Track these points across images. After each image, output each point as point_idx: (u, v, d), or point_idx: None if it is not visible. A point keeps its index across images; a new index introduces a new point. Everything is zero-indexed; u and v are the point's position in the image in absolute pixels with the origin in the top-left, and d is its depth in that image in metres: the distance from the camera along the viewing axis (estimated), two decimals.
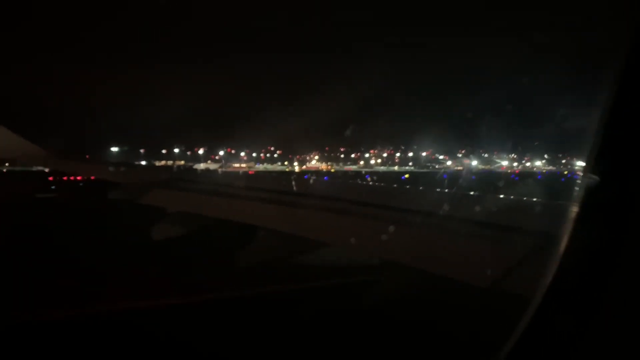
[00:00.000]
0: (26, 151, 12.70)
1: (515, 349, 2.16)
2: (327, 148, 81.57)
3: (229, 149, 77.49)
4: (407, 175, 55.73)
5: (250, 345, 7.56)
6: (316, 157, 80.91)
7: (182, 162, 63.55)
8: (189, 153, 71.91)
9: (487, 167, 70.70)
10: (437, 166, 76.94)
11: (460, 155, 76.61)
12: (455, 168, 71.40)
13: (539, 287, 2.17)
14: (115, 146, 50.65)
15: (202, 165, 54.54)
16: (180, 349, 7.61)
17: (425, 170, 72.37)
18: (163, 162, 59.95)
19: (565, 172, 63.70)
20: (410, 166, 79.57)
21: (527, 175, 57.91)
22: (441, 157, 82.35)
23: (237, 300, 9.56)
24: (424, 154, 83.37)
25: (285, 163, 78.31)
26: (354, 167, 79.41)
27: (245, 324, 8.40)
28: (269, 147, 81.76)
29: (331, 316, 8.10)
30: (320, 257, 6.51)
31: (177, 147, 69.55)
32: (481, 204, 5.74)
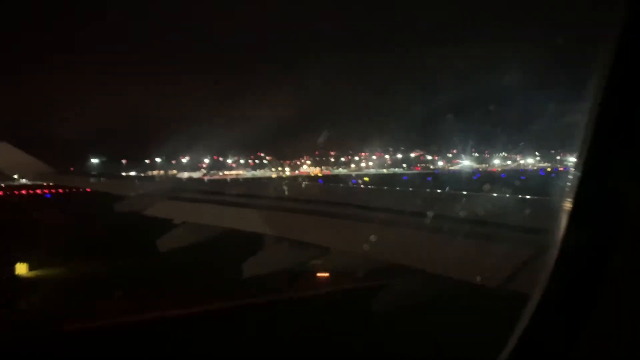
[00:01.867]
0: (33, 168, 12.90)
1: (515, 350, 2.15)
2: (317, 152, 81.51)
3: (215, 157, 76.88)
4: (366, 178, 56.43)
5: (260, 351, 7.69)
6: (308, 162, 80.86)
7: (175, 172, 63.28)
8: (173, 162, 71.08)
9: (479, 167, 71.36)
10: (431, 167, 77.42)
11: (450, 155, 76.91)
12: (449, 168, 71.91)
13: (537, 287, 2.16)
14: (94, 158, 50.22)
15: (185, 174, 54.34)
16: (191, 356, 7.74)
17: (416, 171, 72.77)
18: (156, 172, 59.62)
19: (549, 169, 64.56)
20: (404, 168, 79.74)
21: (494, 174, 58.87)
22: (429, 157, 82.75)
23: (245, 309, 9.69)
24: (412, 155, 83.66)
25: (279, 169, 78.11)
26: (343, 171, 79.40)
27: (255, 332, 8.52)
28: (258, 153, 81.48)
29: (341, 321, 8.25)
30: (328, 263, 6.64)
31: (158, 157, 68.80)
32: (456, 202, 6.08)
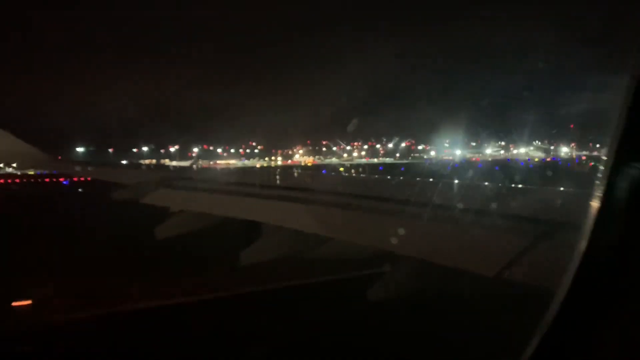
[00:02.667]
0: (33, 156, 12.98)
1: (539, 347, 2.09)
2: (308, 142, 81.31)
3: (205, 146, 76.30)
4: (341, 169, 57.42)
5: (258, 340, 7.78)
6: (300, 151, 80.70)
7: (167, 161, 63.01)
8: (162, 151, 70.44)
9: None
10: (425, 157, 77.64)
11: (447, 144, 76.81)
12: (444, 158, 72.07)
13: (562, 284, 2.08)
14: (80, 146, 49.65)
15: (173, 163, 54.17)
16: (191, 344, 7.82)
17: (405, 161, 73.05)
18: (148, 161, 59.29)
19: (536, 160, 65.41)
20: (399, 158, 79.83)
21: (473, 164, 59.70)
22: (420, 147, 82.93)
23: (245, 297, 9.78)
24: (403, 144, 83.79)
25: (273, 158, 77.89)
26: (335, 160, 79.38)
27: (247, 321, 8.61)
28: (250, 143, 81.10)
29: (337, 310, 8.35)
30: (327, 252, 6.71)
31: (146, 146, 68.16)
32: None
